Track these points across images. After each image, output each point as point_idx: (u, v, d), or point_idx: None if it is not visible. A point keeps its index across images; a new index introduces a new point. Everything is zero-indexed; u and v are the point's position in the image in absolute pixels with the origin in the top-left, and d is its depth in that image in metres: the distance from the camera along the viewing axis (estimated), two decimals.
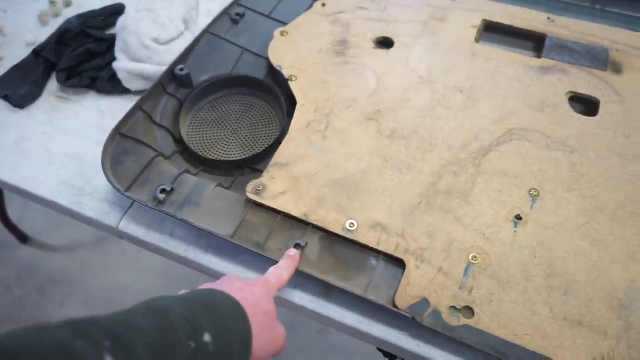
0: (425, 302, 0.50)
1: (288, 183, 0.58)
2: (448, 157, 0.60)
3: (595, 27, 0.73)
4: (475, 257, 0.52)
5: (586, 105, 0.65)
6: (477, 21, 0.74)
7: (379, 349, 0.63)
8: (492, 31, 0.74)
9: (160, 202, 0.57)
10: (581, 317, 0.48)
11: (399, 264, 0.53)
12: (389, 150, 0.60)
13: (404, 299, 0.50)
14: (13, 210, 1.45)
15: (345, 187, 0.57)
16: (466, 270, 0.51)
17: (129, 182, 0.59)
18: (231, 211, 0.57)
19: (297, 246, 0.53)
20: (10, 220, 1.42)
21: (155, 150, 0.63)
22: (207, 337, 0.36)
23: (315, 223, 0.55)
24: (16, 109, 0.75)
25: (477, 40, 0.72)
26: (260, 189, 0.57)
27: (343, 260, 0.53)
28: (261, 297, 0.45)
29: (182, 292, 0.44)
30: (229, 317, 0.39)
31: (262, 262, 0.56)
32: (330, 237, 0.55)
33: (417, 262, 0.52)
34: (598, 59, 0.68)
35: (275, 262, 0.53)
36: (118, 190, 0.58)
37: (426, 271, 0.51)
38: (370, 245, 0.53)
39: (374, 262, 0.53)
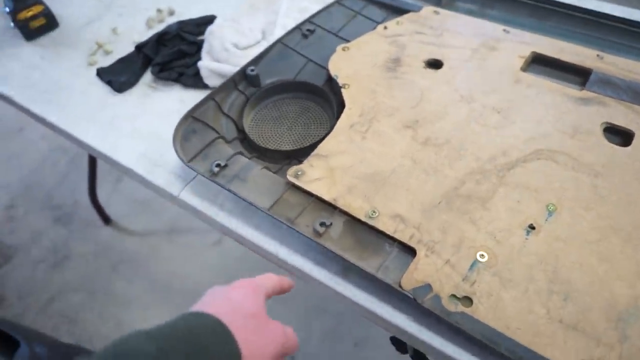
0: (428, 286, 0.54)
1: (324, 172, 0.65)
2: (474, 167, 0.64)
3: None
4: (482, 255, 0.56)
5: (620, 136, 0.67)
6: (526, 52, 0.78)
7: (391, 341, 0.68)
8: (539, 63, 0.78)
9: (214, 174, 0.67)
10: (577, 322, 0.51)
11: (411, 252, 0.58)
12: (420, 154, 0.66)
13: (409, 282, 0.55)
14: (102, 194, 1.64)
15: (374, 180, 0.64)
16: (472, 265, 0.56)
17: (192, 155, 0.69)
18: (272, 189, 0.65)
19: (322, 224, 0.60)
20: (99, 202, 1.60)
21: (218, 133, 0.73)
22: None
23: (341, 207, 0.62)
24: (116, 92, 0.90)
25: (523, 69, 0.77)
26: (299, 173, 0.65)
27: (361, 242, 0.59)
28: (243, 300, 0.44)
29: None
30: (203, 336, 0.38)
31: (292, 236, 0.64)
32: (353, 222, 0.61)
33: (427, 252, 0.57)
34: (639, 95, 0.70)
35: (303, 236, 0.60)
36: (182, 159, 0.68)
37: (434, 261, 0.56)
38: (387, 232, 0.59)
39: (388, 247, 0.59)
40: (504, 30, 0.83)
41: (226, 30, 0.85)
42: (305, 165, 0.66)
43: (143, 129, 0.83)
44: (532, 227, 0.58)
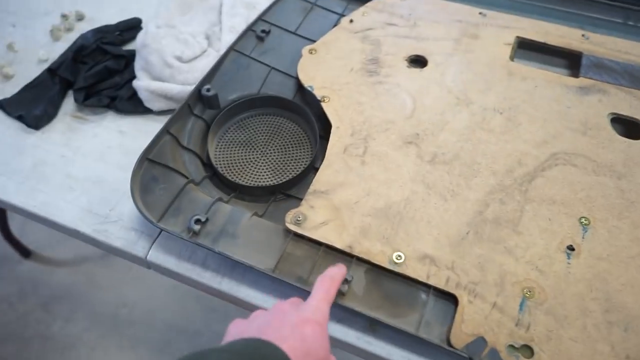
0: (481, 340, 0.47)
1: (329, 212, 0.55)
2: (493, 184, 0.57)
3: (630, 45, 0.71)
4: (529, 290, 0.50)
5: (628, 126, 0.63)
6: (511, 38, 0.72)
7: None
8: (526, 48, 0.73)
9: (195, 234, 0.54)
10: None
11: (450, 298, 0.50)
12: (431, 176, 0.58)
13: (459, 337, 0.48)
14: (15, 224, 1.41)
15: (389, 216, 0.55)
16: (521, 305, 0.49)
17: (161, 212, 0.56)
18: (270, 243, 0.54)
19: (344, 281, 0.51)
20: (12, 234, 1.38)
21: (185, 176, 0.60)
22: None
23: (360, 255, 0.53)
24: (31, 130, 0.72)
25: (511, 58, 0.70)
26: (300, 219, 0.55)
27: (391, 295, 0.51)
28: (315, 341, 0.40)
29: (229, 338, 0.41)
30: None
31: (304, 295, 0.54)
32: (377, 271, 0.52)
33: (469, 297, 0.50)
34: (638, 79, 0.66)
35: None
36: (150, 221, 0.55)
37: (480, 307, 0.49)
38: (420, 279, 0.51)
39: (423, 296, 0.51)
40: (480, 13, 0.75)
41: (164, 41, 0.70)
42: (304, 207, 0.56)
43: (79, 175, 0.67)
44: (571, 249, 0.52)
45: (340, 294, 0.51)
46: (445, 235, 0.54)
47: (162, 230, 0.55)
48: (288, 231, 0.55)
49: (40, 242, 1.45)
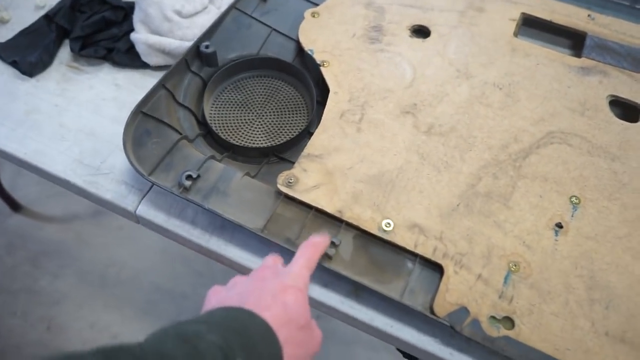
0: (464, 310, 0.48)
1: (321, 176, 0.55)
2: (487, 158, 0.57)
3: (635, 28, 0.70)
4: (515, 264, 0.50)
5: (627, 110, 0.63)
6: (516, 14, 0.71)
7: (398, 349, 0.62)
8: (531, 25, 0.72)
9: (186, 189, 0.54)
10: (623, 333, 0.47)
11: (437, 268, 0.51)
12: (426, 147, 0.58)
13: (443, 306, 0.48)
14: (5, 177, 1.40)
15: (381, 183, 0.55)
16: (506, 278, 0.50)
17: (152, 165, 0.56)
18: (261, 203, 0.54)
19: (331, 244, 0.51)
20: (3, 187, 1.37)
21: (178, 132, 0.59)
22: None
23: (349, 221, 0.53)
24: (25, 76, 0.71)
25: (515, 34, 0.69)
26: (292, 181, 0.54)
27: (378, 261, 0.51)
28: (296, 309, 0.39)
29: (209, 306, 0.40)
30: (260, 343, 0.36)
31: (290, 256, 0.54)
32: (365, 237, 0.53)
33: (455, 268, 0.50)
34: None
35: None
36: (141, 174, 0.54)
37: (465, 277, 0.50)
38: (407, 248, 0.51)
39: (410, 265, 0.51)
40: None
41: None
42: (297, 170, 0.55)
43: (72, 125, 0.66)
44: (559, 226, 0.53)
45: (327, 257, 0.51)
46: (435, 205, 0.54)
47: (152, 184, 0.55)
48: (279, 193, 0.55)
49: (30, 197, 1.44)
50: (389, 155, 0.57)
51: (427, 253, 0.51)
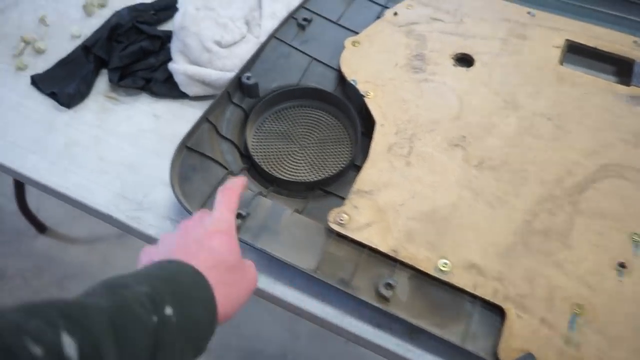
0: (530, 357, 0.46)
1: (373, 213, 0.54)
2: (542, 193, 0.56)
3: None
4: (579, 307, 0.48)
5: None
6: (560, 41, 0.69)
7: None
8: (576, 52, 0.70)
9: (237, 228, 0.53)
10: None
11: (497, 311, 0.49)
12: (478, 182, 0.56)
13: (508, 353, 0.46)
14: (31, 199, 1.40)
15: (435, 221, 0.53)
16: (571, 322, 0.48)
17: (200, 202, 0.55)
18: (312, 241, 0.53)
19: (388, 286, 0.49)
20: (29, 209, 1.37)
21: (224, 167, 0.58)
22: (168, 310, 0.33)
23: (404, 260, 0.51)
24: (63, 107, 0.71)
25: (560, 62, 0.68)
26: (343, 219, 0.53)
27: (436, 303, 0.50)
28: (223, 251, 0.41)
29: (140, 267, 0.41)
30: (190, 288, 0.37)
31: (343, 298, 0.52)
32: (421, 277, 0.51)
33: (518, 311, 0.48)
34: None
35: (363, 302, 0.50)
36: (189, 212, 0.53)
37: (528, 321, 0.48)
38: (466, 289, 0.49)
39: (469, 307, 0.50)
40: (528, 13, 0.73)
41: (203, 24, 0.68)
42: (347, 207, 0.54)
43: (112, 158, 0.66)
44: (622, 266, 0.51)
45: (384, 299, 0.49)
46: (492, 244, 0.52)
47: None
48: (330, 230, 0.53)
49: (56, 218, 1.44)
50: (440, 190, 0.56)
51: (488, 295, 0.49)
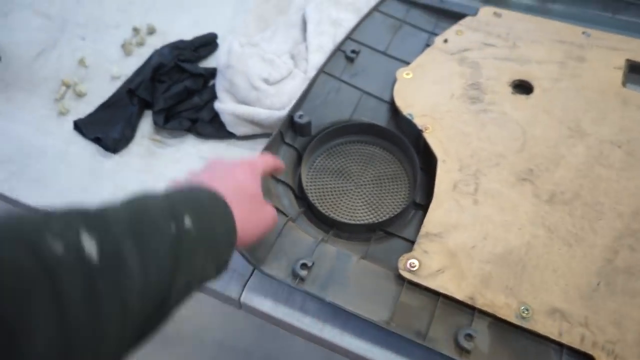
0: None
1: (444, 258, 0.51)
2: (620, 227, 0.53)
3: None
4: None
5: None
6: (620, 61, 0.67)
7: None
8: (638, 72, 0.67)
9: (302, 280, 0.51)
10: None
11: (586, 359, 0.46)
12: (551, 218, 0.54)
13: None
14: None
15: (510, 263, 0.51)
16: None
17: (262, 254, 0.53)
18: (382, 291, 0.51)
19: (468, 336, 0.47)
20: None
21: (284, 214, 0.56)
22: (187, 221, 0.34)
23: (482, 308, 0.48)
24: (108, 153, 0.69)
25: (623, 83, 0.65)
26: (414, 265, 0.51)
27: (519, 353, 0.47)
28: (245, 180, 0.44)
29: None
30: (209, 206, 0.38)
31: (419, 350, 0.50)
32: (502, 325, 0.48)
33: (609, 359, 0.45)
34: None
35: (441, 355, 0.47)
36: (254, 265, 0.51)
37: None
38: (552, 337, 0.47)
39: (555, 356, 0.47)
40: (584, 33, 0.70)
41: (250, 62, 0.66)
42: (417, 252, 0.52)
43: None
44: None
45: (465, 351, 0.47)
46: (573, 285, 0.49)
47: (267, 276, 0.52)
48: (400, 277, 0.51)
49: None
50: (513, 229, 0.53)
51: (575, 342, 0.46)
